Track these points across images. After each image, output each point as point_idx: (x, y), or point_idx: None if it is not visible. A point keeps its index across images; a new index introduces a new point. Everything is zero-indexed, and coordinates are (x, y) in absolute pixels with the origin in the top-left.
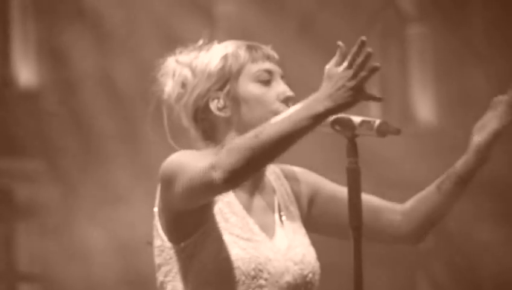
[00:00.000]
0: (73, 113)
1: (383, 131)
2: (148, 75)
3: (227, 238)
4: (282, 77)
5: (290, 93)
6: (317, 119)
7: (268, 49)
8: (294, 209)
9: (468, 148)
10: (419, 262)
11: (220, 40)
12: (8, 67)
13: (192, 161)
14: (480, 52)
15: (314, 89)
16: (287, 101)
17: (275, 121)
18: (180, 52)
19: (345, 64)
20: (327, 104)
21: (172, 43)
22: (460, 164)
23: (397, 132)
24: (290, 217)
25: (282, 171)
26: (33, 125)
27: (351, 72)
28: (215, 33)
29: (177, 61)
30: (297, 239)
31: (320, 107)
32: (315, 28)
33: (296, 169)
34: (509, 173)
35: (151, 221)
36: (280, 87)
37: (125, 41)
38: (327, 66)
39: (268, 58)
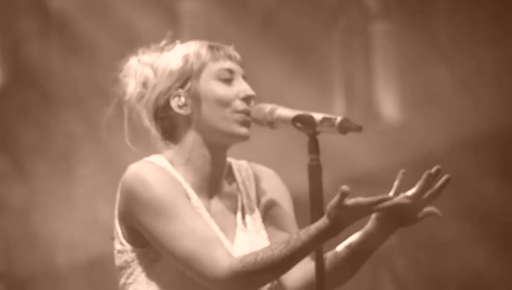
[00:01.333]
0: (39, 111)
1: (344, 128)
2: (111, 75)
3: None
4: (244, 77)
5: (250, 92)
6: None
7: (230, 49)
8: (257, 210)
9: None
10: (382, 259)
11: (184, 38)
12: None
13: (188, 225)
14: (444, 49)
15: (276, 85)
16: (248, 100)
17: (281, 249)
18: (143, 53)
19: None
20: (334, 234)
21: (136, 41)
22: (359, 233)
23: (358, 129)
24: (254, 219)
25: (253, 170)
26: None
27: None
28: (179, 31)
29: (139, 61)
30: (258, 243)
31: (326, 239)
32: (277, 24)
33: (266, 170)
34: (471, 171)
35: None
36: (241, 86)
37: (88, 39)
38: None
39: (230, 57)
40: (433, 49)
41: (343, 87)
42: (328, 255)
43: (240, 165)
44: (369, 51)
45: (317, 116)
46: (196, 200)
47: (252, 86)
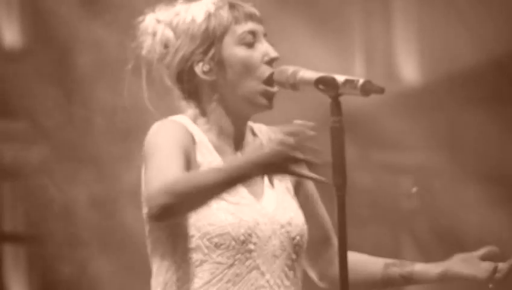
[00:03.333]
0: (59, 74)
1: (366, 90)
2: (129, 31)
3: (215, 204)
4: (265, 35)
5: (274, 54)
6: (247, 180)
7: (249, 7)
8: None
9: (441, 266)
10: (403, 222)
11: None
12: None
13: (157, 164)
14: (464, 11)
15: (296, 48)
16: (271, 63)
17: (211, 170)
18: (160, 9)
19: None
20: (258, 171)
21: (159, 2)
22: (421, 271)
23: (381, 90)
24: (280, 179)
25: (274, 134)
26: (18, 85)
27: (289, 151)
28: None
29: (157, 20)
30: (286, 201)
31: (251, 173)
32: None
33: None
34: (494, 133)
35: (132, 179)
36: (264, 48)
37: (109, 4)
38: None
39: (251, 17)
40: (453, 11)
41: (364, 50)
42: (374, 269)
43: (259, 127)
44: (389, 13)
45: (340, 78)
46: (215, 157)
47: (273, 46)
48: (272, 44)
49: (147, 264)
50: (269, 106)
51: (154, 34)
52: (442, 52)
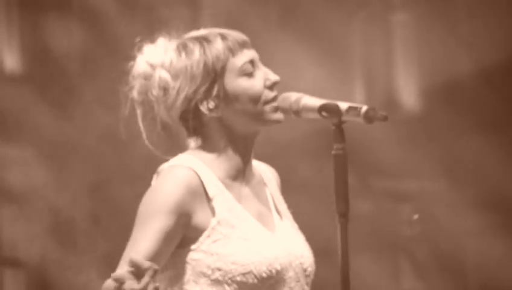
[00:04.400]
0: (59, 98)
1: (370, 117)
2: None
3: (235, 243)
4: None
5: (275, 77)
6: None
7: (238, 35)
8: (283, 203)
9: None
10: (403, 249)
11: (205, 26)
12: None
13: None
14: (464, 39)
15: (298, 76)
16: (273, 87)
17: None
18: (148, 49)
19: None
20: None
21: (156, 26)
22: None
23: (384, 118)
24: (284, 210)
25: (264, 168)
26: (18, 109)
27: None
28: (200, 19)
29: (148, 63)
30: (293, 232)
31: None
32: (298, 13)
33: (271, 169)
34: (492, 163)
35: (136, 203)
36: (264, 74)
37: (109, 22)
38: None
39: (244, 45)
40: (453, 39)
41: (364, 77)
42: None
43: (254, 162)
44: (390, 40)
45: (343, 105)
46: (233, 202)
47: (269, 68)
48: (268, 66)
49: None
50: (280, 119)
51: (147, 78)
52: (442, 79)
